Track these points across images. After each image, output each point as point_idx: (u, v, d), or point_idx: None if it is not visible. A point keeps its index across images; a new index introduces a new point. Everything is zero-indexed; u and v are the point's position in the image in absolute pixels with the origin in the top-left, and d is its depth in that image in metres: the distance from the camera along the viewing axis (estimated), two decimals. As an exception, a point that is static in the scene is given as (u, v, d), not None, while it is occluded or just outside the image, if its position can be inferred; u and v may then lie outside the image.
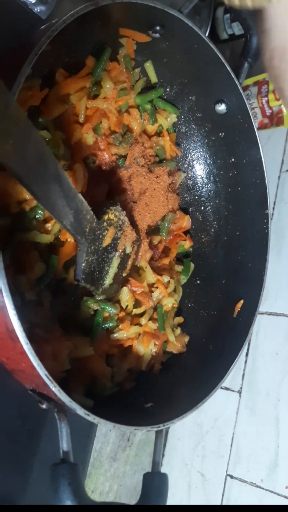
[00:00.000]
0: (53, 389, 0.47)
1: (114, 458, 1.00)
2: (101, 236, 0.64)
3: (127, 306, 0.73)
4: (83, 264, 0.62)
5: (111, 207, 0.66)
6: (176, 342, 0.76)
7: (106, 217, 0.65)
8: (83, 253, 0.62)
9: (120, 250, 0.69)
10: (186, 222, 0.84)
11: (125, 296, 0.72)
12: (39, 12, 0.81)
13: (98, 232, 0.63)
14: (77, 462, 0.49)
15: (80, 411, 0.50)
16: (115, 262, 0.68)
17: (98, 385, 0.67)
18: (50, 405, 0.51)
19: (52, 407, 0.51)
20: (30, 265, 0.61)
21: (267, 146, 1.17)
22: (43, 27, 0.58)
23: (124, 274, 0.72)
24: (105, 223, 0.65)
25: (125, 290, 0.72)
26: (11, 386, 0.57)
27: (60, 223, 0.55)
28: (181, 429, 1.12)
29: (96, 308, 0.68)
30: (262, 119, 1.14)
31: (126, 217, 0.69)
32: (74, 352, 0.62)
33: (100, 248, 0.65)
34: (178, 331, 0.80)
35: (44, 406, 0.51)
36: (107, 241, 0.66)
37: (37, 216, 0.63)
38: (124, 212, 0.69)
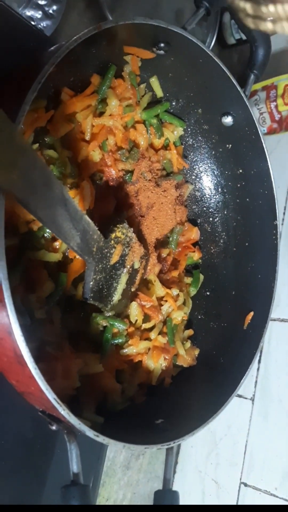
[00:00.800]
0: (62, 412, 0.48)
1: (127, 467, 1.01)
2: (108, 254, 0.65)
3: (136, 320, 0.73)
4: (91, 283, 0.62)
5: (118, 225, 0.67)
6: (186, 356, 0.76)
7: (113, 235, 0.65)
8: (91, 272, 0.62)
9: (128, 266, 0.69)
10: (194, 233, 0.84)
11: (134, 311, 0.72)
12: (45, 28, 0.81)
13: (106, 250, 0.64)
14: (88, 477, 0.49)
15: (90, 433, 0.50)
16: (124, 278, 0.69)
17: (109, 401, 0.67)
18: (60, 426, 0.51)
19: (61, 429, 0.51)
20: (39, 283, 0.62)
21: (276, 151, 1.16)
22: (52, 48, 0.59)
23: (132, 289, 0.72)
24: (112, 241, 0.65)
25: (134, 305, 0.72)
26: (23, 404, 0.58)
27: (67, 244, 0.55)
28: (194, 436, 1.12)
29: (105, 324, 0.68)
30: (271, 124, 1.14)
31: (133, 233, 0.69)
32: (84, 369, 0.63)
33: (108, 266, 0.65)
34: (188, 344, 0.80)
35: (54, 428, 0.52)
36: (114, 258, 0.66)
37: (45, 235, 0.63)
38: (131, 228, 0.69)
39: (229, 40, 1.17)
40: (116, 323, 0.68)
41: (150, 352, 0.72)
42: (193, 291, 0.85)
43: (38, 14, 0.82)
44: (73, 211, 0.53)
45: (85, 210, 0.69)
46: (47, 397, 0.47)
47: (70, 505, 0.47)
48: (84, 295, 0.63)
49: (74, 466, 0.49)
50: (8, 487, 0.69)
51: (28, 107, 0.46)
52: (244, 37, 1.14)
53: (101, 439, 0.51)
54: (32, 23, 0.80)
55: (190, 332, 0.82)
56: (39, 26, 0.81)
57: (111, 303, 0.67)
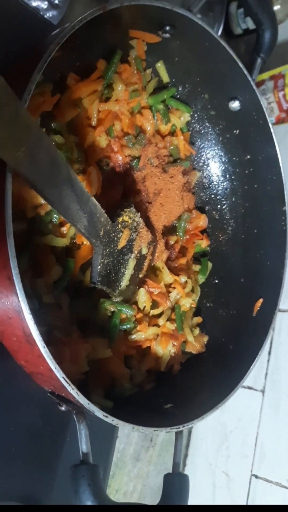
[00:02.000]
0: (71, 391, 0.48)
1: (137, 459, 1.00)
2: (116, 238, 0.65)
3: (144, 307, 0.73)
4: (99, 267, 0.62)
5: (125, 209, 0.67)
6: (195, 343, 0.76)
7: (120, 219, 0.65)
8: (98, 256, 0.62)
9: (136, 252, 0.69)
10: (202, 221, 0.84)
11: (142, 297, 0.72)
12: (51, 18, 0.81)
13: (113, 234, 0.64)
14: (97, 464, 0.49)
15: (99, 413, 0.50)
16: (131, 263, 0.68)
17: (117, 386, 0.67)
18: (69, 407, 0.51)
19: (71, 409, 0.51)
20: (47, 268, 0.62)
21: (285, 141, 1.15)
22: (54, 32, 0.59)
23: (140, 275, 0.72)
24: (119, 225, 0.65)
25: (142, 291, 0.72)
26: (33, 387, 0.58)
27: (74, 226, 0.55)
28: (205, 429, 1.12)
29: (113, 309, 0.68)
30: (279, 114, 1.13)
31: (141, 218, 0.69)
32: (92, 354, 0.63)
33: (116, 250, 0.65)
34: (197, 331, 0.80)
35: (63, 408, 0.51)
36: (122, 243, 0.66)
37: (52, 220, 0.63)
38: (139, 213, 0.69)
39: (236, 30, 1.17)
40: (124, 309, 0.68)
41: (159, 338, 0.72)
42: (201, 278, 0.84)
43: (44, 4, 0.82)
44: (80, 192, 0.53)
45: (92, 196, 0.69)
46: (56, 376, 0.47)
47: (70, 505, 0.47)
48: (92, 279, 0.63)
49: (84, 446, 0.49)
50: (20, 474, 0.69)
51: (34, 86, 0.46)
52: (250, 27, 1.13)
53: (110, 419, 0.51)
54: (40, 13, 0.80)
55: (198, 319, 0.82)
56: (46, 16, 0.81)
57: (119, 288, 0.67)
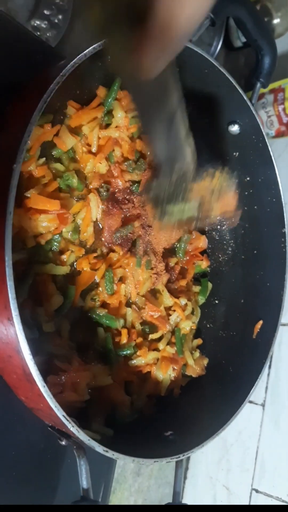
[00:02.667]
0: (71, 428, 0.48)
1: (138, 473, 1.01)
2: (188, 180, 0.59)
3: (132, 326, 0.73)
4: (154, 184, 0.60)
5: (224, 172, 0.61)
6: (195, 366, 0.76)
7: (206, 175, 0.59)
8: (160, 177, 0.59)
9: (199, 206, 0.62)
10: (202, 242, 0.84)
11: (129, 317, 0.72)
12: (50, 37, 0.81)
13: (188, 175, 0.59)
14: (97, 499, 0.49)
15: (99, 449, 0.50)
16: (186, 207, 0.61)
17: (118, 413, 0.67)
18: (69, 441, 0.52)
19: (71, 444, 0.52)
20: (47, 297, 0.62)
21: (285, 154, 1.15)
22: (60, 63, 0.59)
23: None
24: (205, 174, 0.59)
25: (129, 311, 0.72)
26: (33, 416, 0.58)
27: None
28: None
29: (96, 319, 0.68)
30: (279, 127, 1.13)
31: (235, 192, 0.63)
32: (93, 381, 0.63)
33: (179, 192, 0.60)
34: (197, 353, 0.80)
35: (63, 443, 0.52)
36: (192, 194, 0.60)
37: (53, 248, 0.64)
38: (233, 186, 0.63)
39: (236, 43, 1.17)
40: (107, 321, 0.68)
41: (159, 363, 0.72)
42: (201, 299, 0.84)
43: (44, 24, 0.82)
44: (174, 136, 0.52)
45: (92, 222, 0.69)
46: (56, 414, 0.47)
47: (70, 505, 0.47)
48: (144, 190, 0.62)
49: (84, 481, 0.50)
50: (18, 497, 0.69)
51: (33, 127, 0.46)
52: (250, 40, 1.14)
53: (110, 454, 0.51)
54: (38, 33, 0.80)
55: (199, 341, 0.82)
56: (45, 36, 0.81)
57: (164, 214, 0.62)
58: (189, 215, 0.62)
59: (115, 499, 0.94)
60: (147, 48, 0.33)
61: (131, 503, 0.99)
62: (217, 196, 0.62)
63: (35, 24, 0.81)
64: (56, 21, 0.83)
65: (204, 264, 0.84)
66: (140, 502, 1.01)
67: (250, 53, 1.19)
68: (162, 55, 0.35)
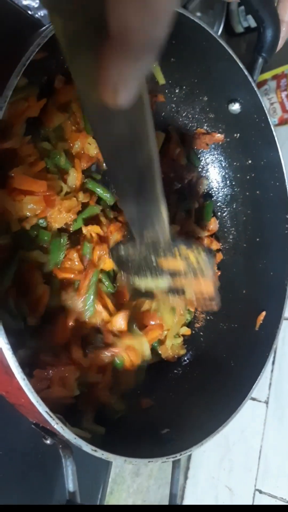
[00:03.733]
0: (55, 426, 0.44)
1: (137, 473, 0.97)
2: (161, 253, 0.56)
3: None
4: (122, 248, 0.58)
5: (200, 249, 0.55)
6: (170, 350, 0.73)
7: (183, 249, 0.54)
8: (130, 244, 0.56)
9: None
10: (213, 224, 0.80)
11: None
12: (42, 17, 0.78)
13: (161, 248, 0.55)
14: (84, 502, 0.45)
15: (87, 448, 0.46)
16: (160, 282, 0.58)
17: (108, 408, 0.63)
18: (55, 440, 0.47)
19: (56, 443, 0.47)
20: (32, 287, 0.58)
21: (288, 143, 1.11)
22: (40, 30, 0.55)
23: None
24: (176, 251, 0.55)
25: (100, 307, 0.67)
26: (19, 414, 0.54)
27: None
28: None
29: None
30: (282, 115, 1.10)
31: (213, 270, 0.56)
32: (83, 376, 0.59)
33: (149, 261, 0.57)
34: (180, 340, 0.76)
35: (48, 442, 0.47)
36: (166, 265, 0.56)
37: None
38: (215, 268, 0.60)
39: (237, 29, 1.13)
40: None
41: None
42: (201, 290, 0.80)
43: (35, 3, 0.79)
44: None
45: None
46: (38, 409, 0.43)
47: (70, 505, 0.43)
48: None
49: (70, 484, 0.45)
50: (8, 499, 0.65)
51: (11, 93, 0.42)
52: (252, 25, 1.09)
53: (100, 454, 0.47)
54: (29, 12, 0.77)
55: (187, 331, 0.78)
56: (36, 15, 0.78)
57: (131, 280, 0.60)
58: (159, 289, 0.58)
59: (112, 501, 0.90)
60: (110, 58, 0.26)
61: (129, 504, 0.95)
62: (191, 279, 0.56)
63: (26, 3, 0.78)
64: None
65: (214, 246, 0.80)
66: (139, 503, 0.97)
67: (251, 39, 1.15)
68: (128, 65, 0.27)
